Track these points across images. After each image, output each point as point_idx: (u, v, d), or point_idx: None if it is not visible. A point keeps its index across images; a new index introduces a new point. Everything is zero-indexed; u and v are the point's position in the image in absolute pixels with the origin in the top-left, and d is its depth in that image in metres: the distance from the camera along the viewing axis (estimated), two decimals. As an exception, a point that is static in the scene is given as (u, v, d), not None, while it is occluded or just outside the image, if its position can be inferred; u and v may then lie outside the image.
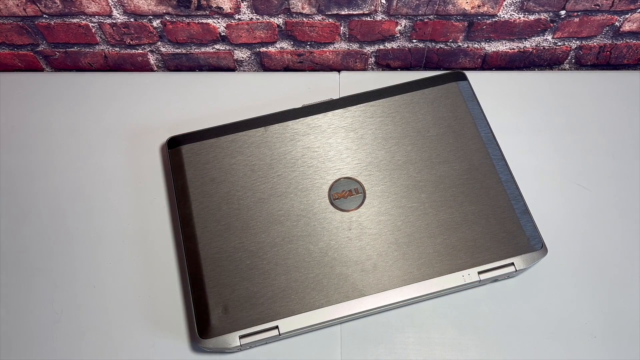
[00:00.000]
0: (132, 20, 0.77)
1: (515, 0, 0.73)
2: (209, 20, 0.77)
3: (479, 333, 0.63)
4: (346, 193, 0.66)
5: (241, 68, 0.86)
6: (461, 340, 0.63)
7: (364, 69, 0.86)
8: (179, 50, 0.82)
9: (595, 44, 0.81)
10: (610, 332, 0.63)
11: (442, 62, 0.85)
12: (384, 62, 0.85)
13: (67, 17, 0.77)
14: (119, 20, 0.77)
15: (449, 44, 0.81)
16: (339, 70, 0.84)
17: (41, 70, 0.88)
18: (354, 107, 0.72)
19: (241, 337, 0.59)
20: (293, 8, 0.75)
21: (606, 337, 0.62)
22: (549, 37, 0.80)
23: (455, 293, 0.65)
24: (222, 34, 0.79)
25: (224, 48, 0.82)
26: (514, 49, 0.82)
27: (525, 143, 0.76)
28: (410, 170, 0.67)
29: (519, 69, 0.86)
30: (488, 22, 0.77)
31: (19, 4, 0.75)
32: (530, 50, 0.82)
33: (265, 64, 0.85)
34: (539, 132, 0.76)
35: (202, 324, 0.60)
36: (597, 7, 0.75)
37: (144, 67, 0.86)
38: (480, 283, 0.62)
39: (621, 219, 0.70)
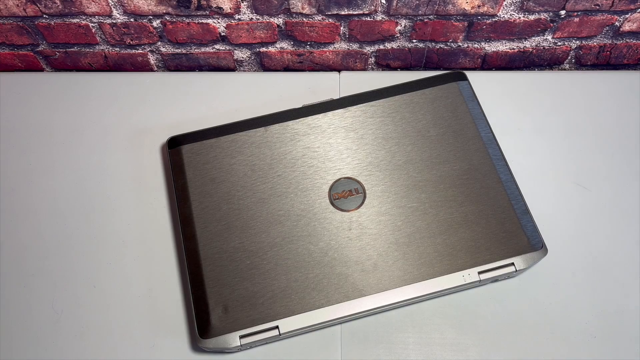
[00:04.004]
0: (132, 20, 0.77)
1: (515, 0, 0.73)
2: (209, 21, 0.77)
3: (479, 333, 0.63)
4: (346, 193, 0.66)
5: (241, 68, 0.86)
6: (461, 340, 0.63)
7: (364, 69, 0.86)
8: (179, 50, 0.82)
9: (595, 44, 0.81)
10: (610, 332, 0.63)
11: (442, 62, 0.85)
12: (384, 62, 0.85)
13: (67, 17, 0.77)
14: (119, 21, 0.77)
15: (448, 44, 0.81)
16: (339, 70, 0.84)
17: (41, 70, 0.88)
18: (354, 107, 0.72)
19: (241, 337, 0.59)
20: (293, 8, 0.75)
21: (606, 337, 0.62)
22: (549, 37, 0.80)
23: (455, 293, 0.65)
24: (222, 34, 0.79)
25: (224, 48, 0.82)
26: (514, 49, 0.82)
27: (525, 143, 0.76)
28: (410, 171, 0.67)
29: (519, 69, 0.86)
30: (488, 22, 0.77)
31: (19, 4, 0.75)
32: (530, 50, 0.82)
33: (265, 64, 0.85)
34: (539, 132, 0.76)
35: (202, 324, 0.60)
36: (597, 7, 0.75)
37: (144, 67, 0.86)
38: (480, 283, 0.62)
39: (621, 219, 0.70)
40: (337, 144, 0.69)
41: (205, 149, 0.69)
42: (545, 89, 0.80)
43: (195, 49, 0.82)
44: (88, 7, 0.75)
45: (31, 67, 0.87)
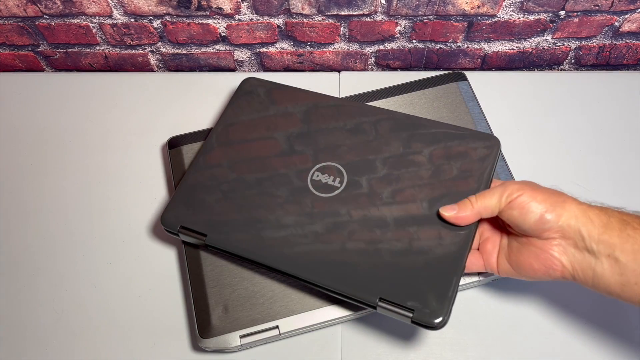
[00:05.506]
0: (132, 20, 0.77)
1: (514, 0, 0.73)
2: (209, 21, 0.77)
3: (478, 333, 0.63)
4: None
5: (241, 68, 0.86)
6: (461, 339, 0.63)
7: (364, 69, 0.86)
8: (180, 50, 0.83)
9: (594, 44, 0.81)
10: (611, 332, 0.63)
11: (441, 63, 0.85)
12: (384, 63, 0.85)
13: (68, 18, 0.77)
14: (120, 21, 0.77)
15: (448, 44, 0.81)
16: (339, 71, 0.84)
17: (42, 70, 0.88)
18: (354, 107, 0.72)
19: (242, 336, 0.59)
20: (293, 8, 0.75)
21: (606, 337, 0.62)
22: (549, 38, 0.80)
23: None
24: (222, 34, 0.79)
25: (224, 48, 0.82)
26: (513, 49, 0.82)
27: (525, 143, 0.76)
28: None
29: (518, 69, 0.86)
30: (488, 22, 0.77)
31: (20, 5, 0.75)
32: (530, 50, 0.82)
33: (265, 64, 0.85)
34: (539, 132, 0.76)
35: (202, 324, 0.60)
36: (597, 8, 0.75)
37: (145, 67, 0.86)
38: (480, 283, 0.62)
39: (621, 219, 0.70)
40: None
41: (205, 149, 0.69)
42: (545, 89, 0.80)
43: (195, 49, 0.82)
44: (88, 8, 0.75)
45: (32, 67, 0.87)
